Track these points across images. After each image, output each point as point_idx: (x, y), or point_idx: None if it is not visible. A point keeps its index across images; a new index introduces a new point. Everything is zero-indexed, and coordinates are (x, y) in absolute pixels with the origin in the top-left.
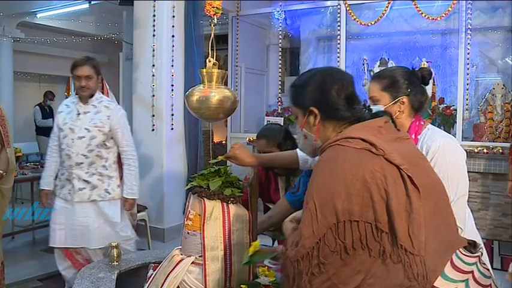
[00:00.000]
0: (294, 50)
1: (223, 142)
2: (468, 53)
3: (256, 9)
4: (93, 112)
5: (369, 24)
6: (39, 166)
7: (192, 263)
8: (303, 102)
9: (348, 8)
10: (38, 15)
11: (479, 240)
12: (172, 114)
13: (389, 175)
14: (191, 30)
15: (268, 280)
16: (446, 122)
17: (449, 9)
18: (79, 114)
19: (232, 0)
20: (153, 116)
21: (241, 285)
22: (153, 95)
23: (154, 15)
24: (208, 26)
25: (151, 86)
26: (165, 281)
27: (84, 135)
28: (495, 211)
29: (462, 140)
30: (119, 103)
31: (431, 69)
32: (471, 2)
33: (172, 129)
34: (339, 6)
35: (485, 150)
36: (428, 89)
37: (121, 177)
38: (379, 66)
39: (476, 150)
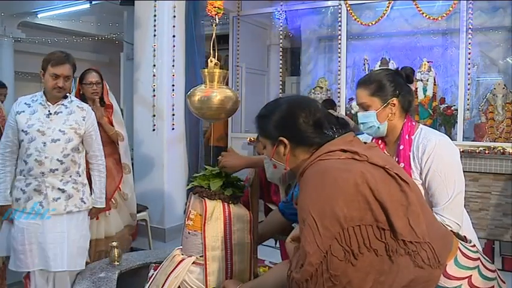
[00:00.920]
0: (294, 50)
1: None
2: (469, 53)
3: (257, 9)
4: (65, 113)
5: (370, 24)
6: None
7: (193, 263)
8: (271, 132)
9: (348, 8)
10: (39, 16)
11: (475, 240)
12: (173, 114)
13: (378, 176)
14: (192, 30)
15: None
16: (447, 122)
17: (450, 9)
18: (50, 114)
19: (233, 0)
20: (154, 116)
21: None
22: (154, 95)
23: (155, 15)
24: (209, 26)
25: (152, 86)
26: (165, 281)
27: (59, 137)
28: (496, 211)
29: (463, 140)
30: (119, 103)
31: (431, 68)
32: (472, 2)
33: (173, 129)
34: (339, 6)
35: (486, 150)
36: (429, 89)
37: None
38: (379, 66)
39: (477, 150)
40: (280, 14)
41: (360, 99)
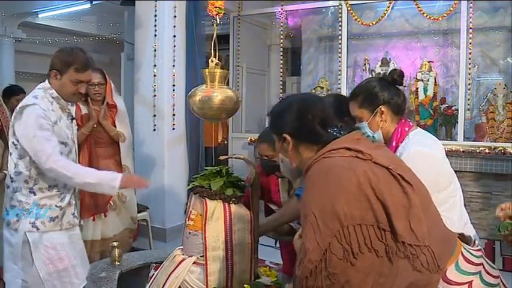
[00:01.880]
0: (295, 50)
1: (225, 142)
2: (470, 53)
3: (257, 9)
4: (70, 118)
5: (370, 24)
6: None
7: (194, 263)
8: (278, 129)
9: (349, 8)
10: (40, 16)
11: (474, 236)
12: (174, 114)
13: (381, 176)
14: (192, 30)
15: (270, 280)
16: (447, 122)
17: (451, 9)
18: (73, 118)
19: (234, 0)
20: (155, 116)
21: (244, 285)
22: (155, 95)
23: (155, 15)
24: (209, 26)
25: (152, 86)
26: (166, 281)
27: (76, 147)
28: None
29: (464, 140)
30: None
31: (432, 69)
32: (472, 2)
33: (173, 129)
34: (340, 6)
35: (486, 150)
36: (430, 89)
37: None
38: (380, 66)
39: (477, 150)
40: (281, 14)
41: (352, 112)
